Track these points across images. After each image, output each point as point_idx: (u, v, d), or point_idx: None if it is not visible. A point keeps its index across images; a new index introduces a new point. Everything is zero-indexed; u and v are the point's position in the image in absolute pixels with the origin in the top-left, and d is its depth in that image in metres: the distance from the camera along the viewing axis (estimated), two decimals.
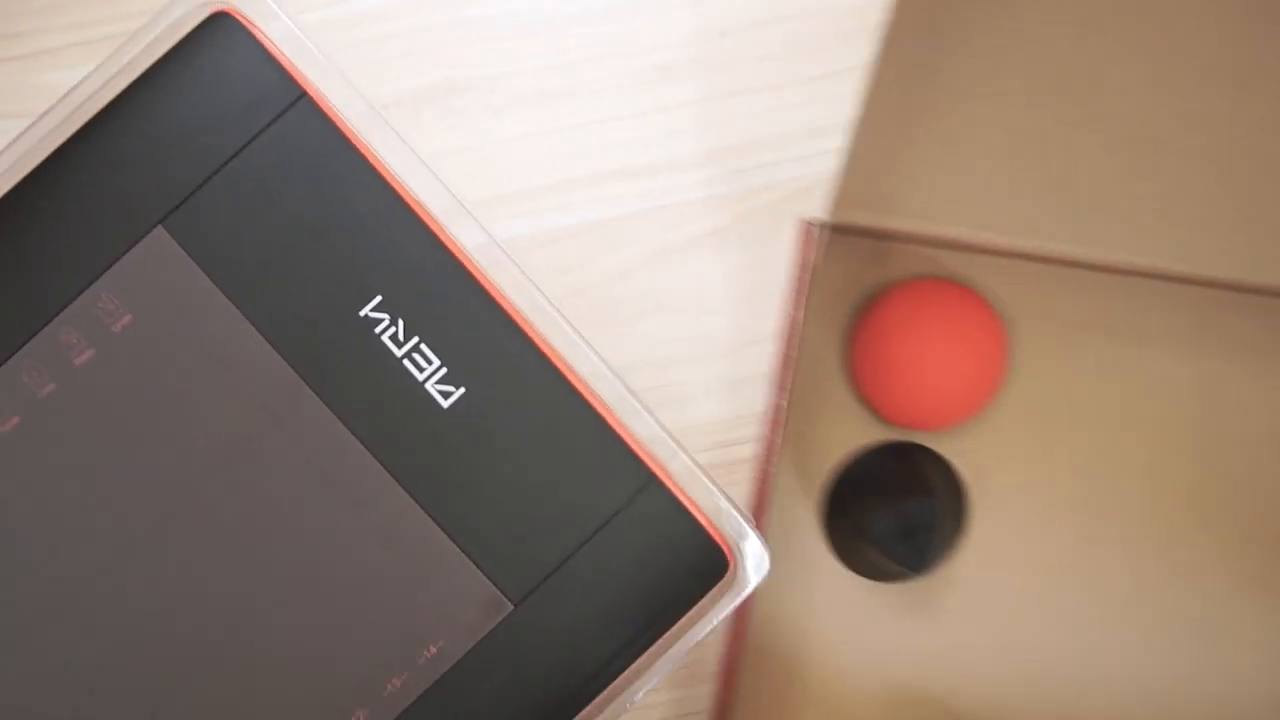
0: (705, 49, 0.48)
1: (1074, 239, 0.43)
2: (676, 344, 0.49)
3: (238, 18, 0.32)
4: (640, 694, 0.34)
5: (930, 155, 0.40)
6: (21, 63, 0.48)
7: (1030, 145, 0.39)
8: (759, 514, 0.44)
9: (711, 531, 0.33)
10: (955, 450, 0.46)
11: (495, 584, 0.32)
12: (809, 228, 0.43)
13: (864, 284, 0.46)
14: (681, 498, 0.32)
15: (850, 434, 0.47)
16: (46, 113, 0.31)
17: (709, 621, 0.34)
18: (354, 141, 0.32)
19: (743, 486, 0.48)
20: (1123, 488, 0.46)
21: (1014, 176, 0.40)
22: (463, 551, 0.32)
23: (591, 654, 0.33)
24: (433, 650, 0.32)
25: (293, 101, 0.32)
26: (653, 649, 0.34)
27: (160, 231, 0.31)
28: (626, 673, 0.34)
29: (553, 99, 0.49)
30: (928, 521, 0.44)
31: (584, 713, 0.34)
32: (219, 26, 0.32)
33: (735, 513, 0.33)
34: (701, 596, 0.33)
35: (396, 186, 0.32)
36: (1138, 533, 0.46)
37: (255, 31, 0.32)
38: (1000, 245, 0.45)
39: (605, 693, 0.34)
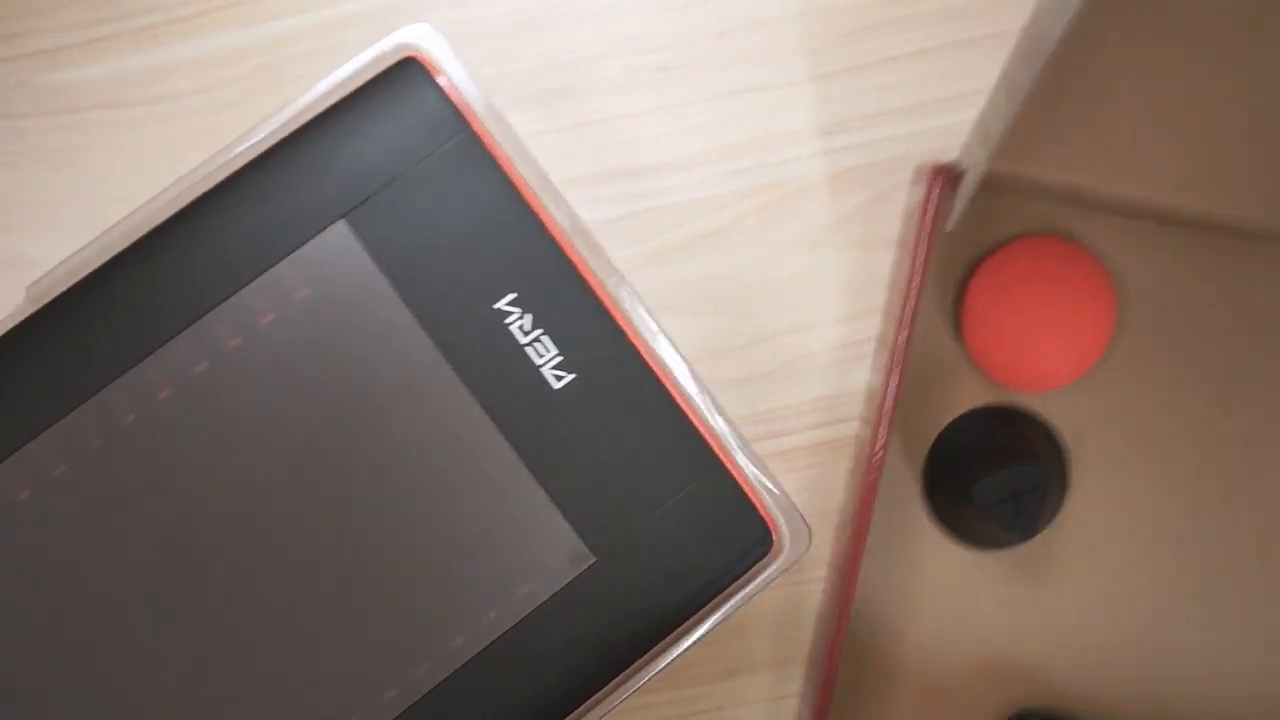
0: (705, 49, 0.49)
1: (1192, 195, 0.42)
2: (692, 343, 0.51)
3: (422, 61, 0.40)
4: (680, 652, 0.41)
5: (1064, 109, 0.39)
6: (21, 63, 0.48)
7: (1162, 102, 0.39)
8: (870, 495, 0.45)
9: (761, 511, 0.40)
10: (1057, 411, 0.46)
11: (581, 538, 0.39)
12: (935, 171, 0.43)
13: (978, 241, 0.45)
14: (739, 481, 0.40)
15: (951, 394, 0.46)
16: (272, 116, 0.39)
17: (750, 592, 0.41)
18: (504, 168, 0.40)
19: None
20: (1232, 456, 0.45)
21: (1138, 131, 0.40)
22: (557, 508, 0.39)
23: (652, 609, 0.40)
24: (523, 590, 0.39)
25: (458, 133, 0.40)
26: (700, 612, 0.41)
27: (342, 224, 0.39)
28: (675, 631, 0.41)
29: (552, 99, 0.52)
30: (1033, 486, 0.43)
31: (636, 664, 0.40)
32: (408, 67, 0.40)
33: (782, 495, 0.40)
34: (749, 569, 0.40)
35: (534, 205, 0.40)
36: (1247, 504, 0.45)
37: (435, 73, 0.40)
38: (1118, 199, 0.43)
39: (656, 647, 0.40)
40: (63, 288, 0.39)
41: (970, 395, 0.46)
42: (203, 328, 0.38)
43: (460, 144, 0.39)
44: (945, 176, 0.42)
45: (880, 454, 0.45)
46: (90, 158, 0.49)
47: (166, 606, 0.38)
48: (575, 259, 0.39)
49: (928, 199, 0.44)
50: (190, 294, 0.39)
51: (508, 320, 0.39)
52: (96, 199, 0.49)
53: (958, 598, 0.47)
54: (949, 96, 0.50)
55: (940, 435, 0.46)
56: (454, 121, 0.39)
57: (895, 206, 0.50)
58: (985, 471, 0.43)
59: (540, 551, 0.39)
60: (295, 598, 0.39)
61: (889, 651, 0.49)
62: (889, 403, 0.45)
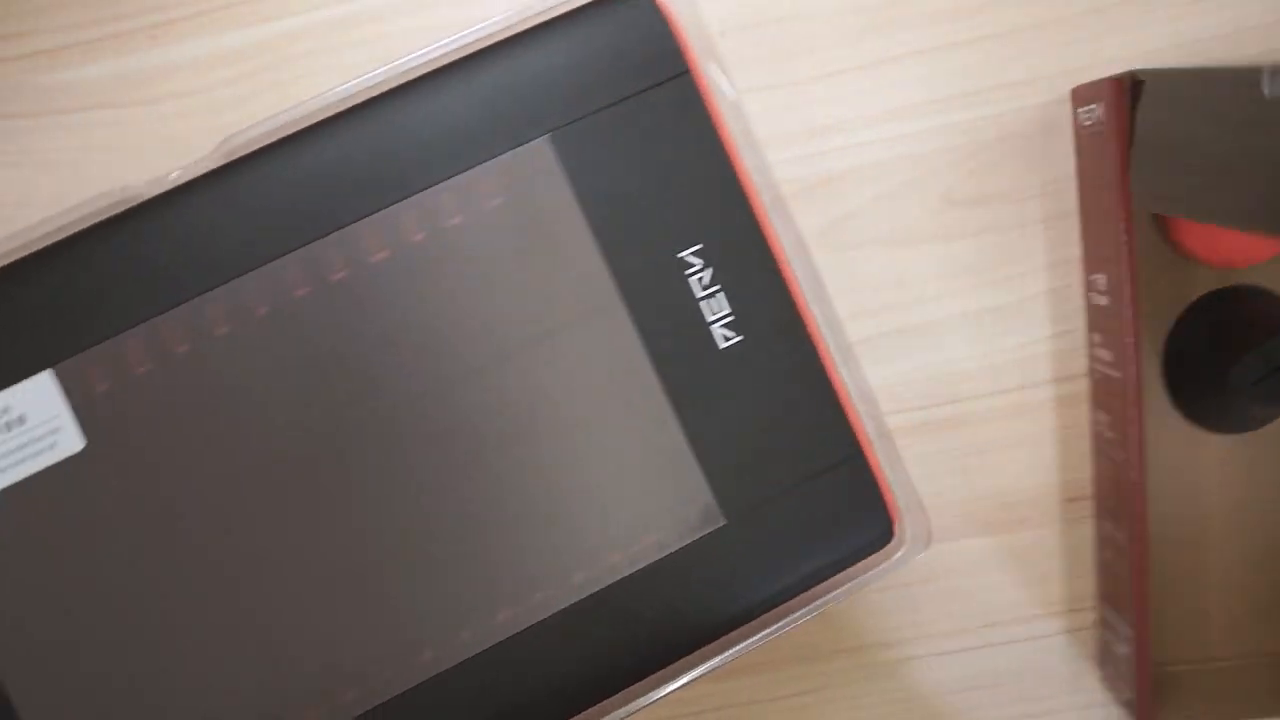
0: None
1: None
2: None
3: None
4: (781, 629, 0.42)
5: None
6: (21, 63, 0.48)
7: None
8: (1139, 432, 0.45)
9: (890, 507, 0.40)
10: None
11: (716, 499, 0.39)
12: (1120, 83, 0.43)
13: None
14: (877, 472, 0.40)
15: (1172, 291, 0.46)
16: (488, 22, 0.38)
17: (857, 583, 0.42)
18: (715, 118, 0.39)
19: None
20: None
21: None
22: (699, 465, 0.39)
23: (764, 582, 0.41)
24: (650, 539, 0.39)
25: (677, 73, 0.39)
26: (808, 593, 0.41)
27: (545, 141, 0.39)
28: (781, 607, 0.41)
29: None
30: None
31: (739, 631, 0.41)
32: None
33: (913, 494, 0.40)
34: (862, 559, 0.41)
35: (735, 161, 0.39)
36: None
37: (665, 9, 0.39)
38: None
39: (761, 619, 0.41)
40: (257, 147, 0.38)
41: (1190, 288, 0.46)
42: (390, 216, 0.38)
43: (678, 85, 0.39)
44: (1124, 86, 0.42)
45: (1135, 375, 0.44)
46: (90, 158, 0.49)
47: (309, 504, 0.38)
48: (764, 223, 0.39)
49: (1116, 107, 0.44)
50: (384, 179, 0.38)
51: (689, 271, 0.39)
52: None
53: (1223, 485, 0.47)
54: None
55: (1170, 334, 0.45)
56: (675, 61, 0.39)
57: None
58: (1234, 353, 0.42)
59: (674, 504, 0.39)
60: (431, 511, 0.39)
61: (1180, 553, 0.49)
62: (1127, 313, 0.44)
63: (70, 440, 0.36)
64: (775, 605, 0.40)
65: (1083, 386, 0.50)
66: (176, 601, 0.37)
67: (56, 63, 0.47)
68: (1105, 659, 0.49)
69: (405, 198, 0.38)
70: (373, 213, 0.37)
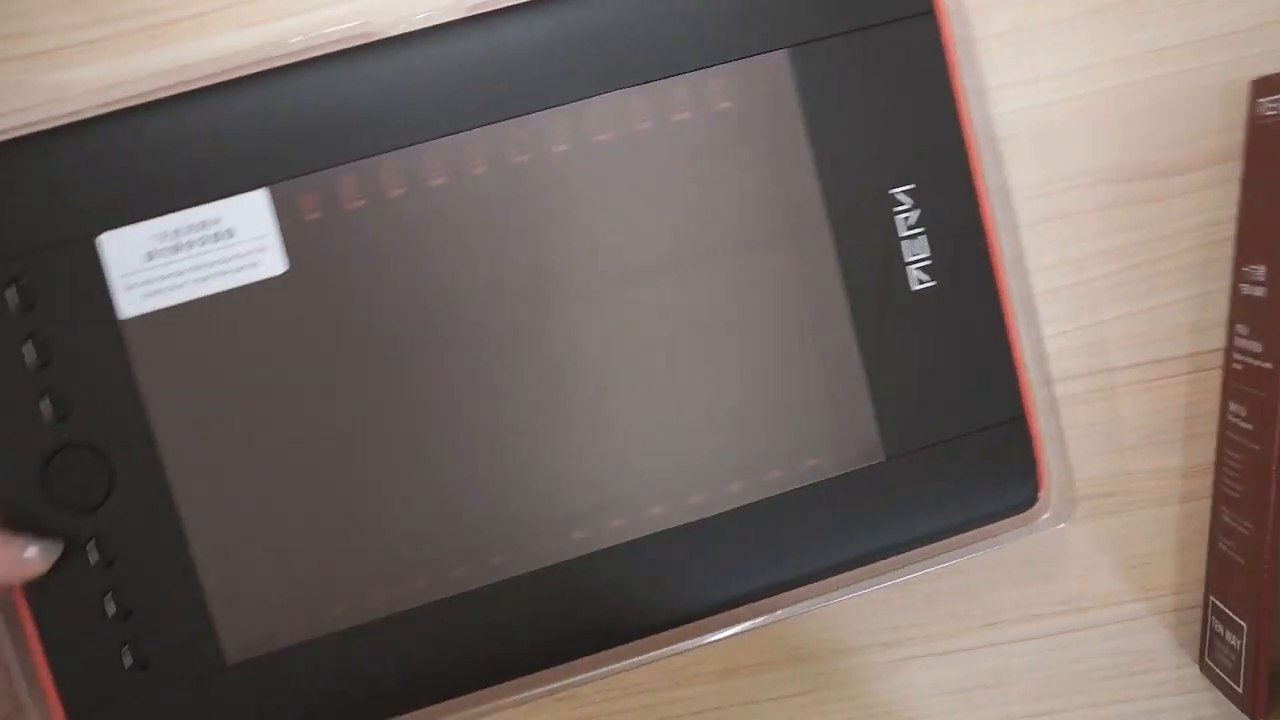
0: None
1: None
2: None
3: None
4: (905, 576, 0.42)
5: None
6: (21, 63, 0.47)
7: None
8: None
9: (1040, 474, 0.41)
10: None
11: (880, 436, 0.40)
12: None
13: None
14: (1035, 438, 0.41)
15: None
16: None
17: (990, 542, 0.42)
18: (950, 63, 0.40)
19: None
20: None
21: None
22: (871, 400, 0.40)
23: (908, 523, 0.41)
24: (811, 462, 0.40)
25: (923, 11, 0.39)
26: (940, 543, 0.42)
27: (783, 55, 0.39)
28: (911, 552, 0.42)
29: None
30: None
31: (869, 567, 0.42)
32: None
33: (1063, 464, 0.41)
34: (1003, 519, 0.42)
35: (962, 113, 0.40)
36: None
37: None
38: None
39: (892, 559, 0.42)
40: (503, 6, 0.38)
41: None
42: (620, 100, 0.38)
43: (921, 24, 0.39)
44: None
45: None
46: None
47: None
48: (977, 175, 0.40)
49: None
50: (620, 62, 0.38)
51: (897, 209, 0.39)
52: None
53: None
54: None
55: None
56: (922, 1, 0.39)
57: None
58: None
59: (840, 434, 0.40)
60: (604, 394, 0.40)
61: None
62: None
63: (273, 262, 0.37)
64: (909, 549, 0.41)
65: (1203, 376, 0.51)
66: (354, 438, 0.37)
67: (55, 63, 0.47)
68: (1212, 652, 0.50)
69: (638, 84, 0.38)
70: (603, 93, 0.38)
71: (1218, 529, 0.48)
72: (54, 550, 0.36)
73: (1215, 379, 0.49)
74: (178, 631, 0.37)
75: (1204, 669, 0.49)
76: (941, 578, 0.49)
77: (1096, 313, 0.48)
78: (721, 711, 0.50)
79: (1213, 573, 0.49)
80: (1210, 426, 0.49)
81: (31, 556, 0.36)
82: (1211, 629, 0.48)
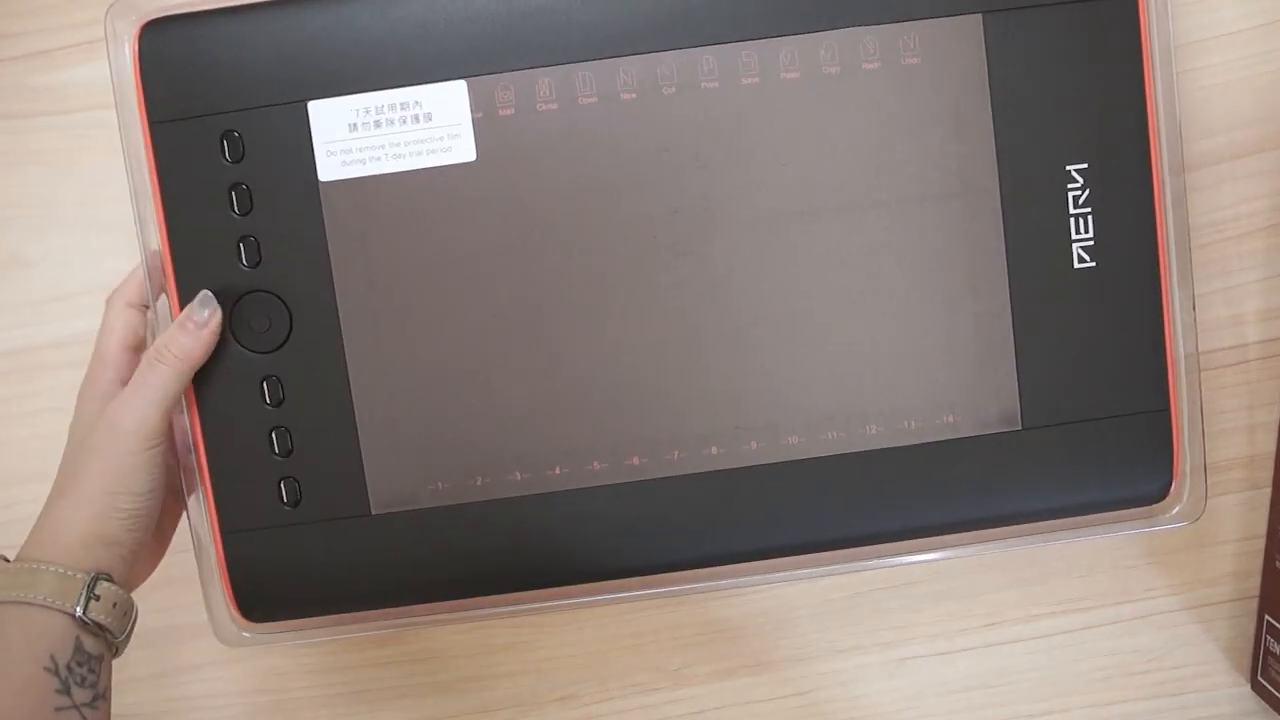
0: None
1: None
2: None
3: None
4: (1019, 544, 0.42)
5: None
6: (22, 63, 0.48)
7: None
8: None
9: (1176, 469, 0.41)
10: None
11: (1021, 405, 0.41)
12: None
13: None
14: (1175, 433, 0.41)
15: None
16: None
17: (1115, 529, 0.42)
18: (1145, 49, 0.40)
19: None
20: None
21: None
22: (1017, 369, 0.40)
23: (1036, 495, 0.42)
24: (948, 419, 0.41)
25: None
26: (1063, 521, 0.42)
27: (978, 19, 0.39)
28: (1033, 524, 0.42)
29: None
30: None
31: (985, 531, 0.42)
32: None
33: (1201, 463, 0.41)
34: (1131, 508, 0.42)
35: (1150, 101, 0.40)
36: None
37: None
38: None
39: (1003, 529, 0.42)
40: None
41: None
42: (811, 43, 0.39)
43: (1120, 4, 0.39)
44: None
45: None
46: (90, 158, 0.48)
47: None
48: (1156, 166, 0.40)
49: None
50: (814, 6, 0.39)
51: (1070, 185, 0.40)
52: (96, 199, 0.48)
53: None
54: None
55: None
56: None
57: None
58: None
59: (981, 396, 0.40)
60: (772, 320, 0.41)
61: None
62: None
63: (464, 149, 0.39)
64: (1033, 520, 0.42)
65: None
66: (516, 326, 0.40)
67: (56, 63, 0.48)
68: (1265, 670, 0.49)
69: (829, 28, 0.39)
70: (797, 33, 0.39)
71: (1274, 546, 0.47)
72: (212, 309, 0.39)
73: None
74: (331, 476, 0.40)
75: (1255, 687, 0.48)
76: (942, 578, 0.49)
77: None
78: (721, 711, 0.51)
79: (1268, 590, 0.48)
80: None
81: (201, 318, 0.39)
82: (1266, 648, 0.47)
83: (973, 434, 0.40)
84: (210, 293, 0.39)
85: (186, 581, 0.45)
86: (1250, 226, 0.48)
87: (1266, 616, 0.47)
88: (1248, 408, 0.49)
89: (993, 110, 0.39)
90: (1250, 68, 0.47)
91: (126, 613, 0.38)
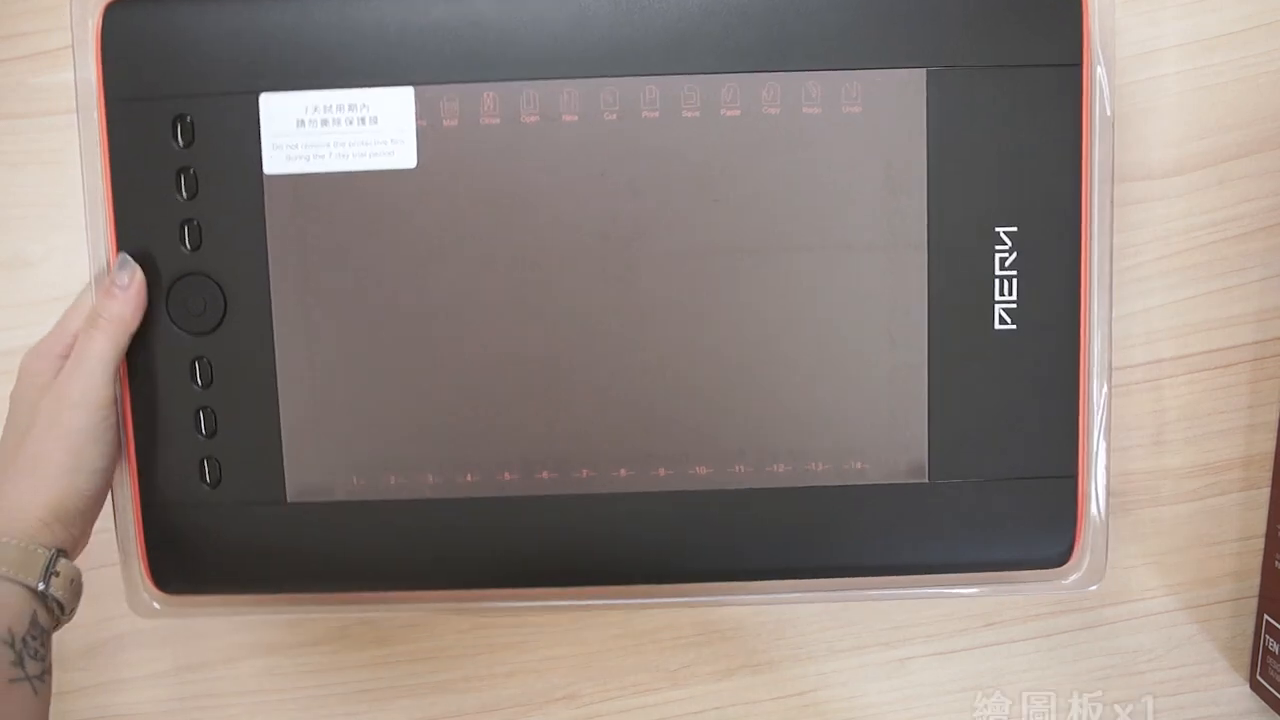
0: None
1: None
2: None
3: None
4: (913, 596, 0.43)
5: None
6: (22, 63, 0.48)
7: None
8: None
9: (1078, 536, 0.42)
10: None
11: (929, 459, 0.41)
12: None
13: None
14: (1081, 500, 0.41)
15: None
16: None
17: (1012, 590, 0.43)
18: (1084, 120, 0.40)
19: None
20: None
21: None
22: (929, 422, 0.41)
23: (935, 548, 0.42)
24: (855, 464, 0.41)
25: (1069, 63, 0.40)
26: (959, 574, 0.43)
27: (921, 74, 0.40)
28: (928, 576, 0.43)
29: None
30: None
31: (886, 580, 0.43)
32: None
33: (1104, 531, 0.42)
34: (1029, 569, 0.42)
35: (1085, 170, 0.40)
36: None
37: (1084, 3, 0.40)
38: None
39: (908, 579, 0.43)
40: None
41: None
42: (754, 82, 0.40)
43: (1063, 74, 0.40)
44: None
45: None
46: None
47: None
48: (1084, 238, 0.40)
49: None
50: (759, 45, 0.40)
51: (999, 246, 0.40)
52: (97, 199, 0.46)
53: None
54: None
55: None
56: (1072, 49, 0.40)
57: None
58: None
59: (890, 445, 0.41)
60: (689, 350, 0.41)
61: None
62: None
63: (406, 155, 0.40)
64: (932, 572, 0.42)
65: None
66: (437, 333, 0.41)
67: (56, 63, 0.48)
68: (1264, 669, 0.50)
69: (774, 70, 0.39)
70: (738, 72, 0.40)
71: (1274, 546, 0.48)
72: (131, 269, 0.40)
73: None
74: (251, 461, 0.41)
75: (1254, 687, 0.48)
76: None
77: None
78: (721, 711, 0.52)
79: (1267, 590, 0.49)
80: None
81: (123, 281, 0.40)
82: (1265, 647, 0.48)
83: (879, 482, 0.41)
84: (127, 254, 0.40)
85: None
86: (1250, 226, 0.48)
87: (1265, 616, 0.48)
88: (1246, 408, 0.49)
89: (928, 165, 0.40)
90: (1250, 67, 0.47)
91: (78, 591, 0.39)
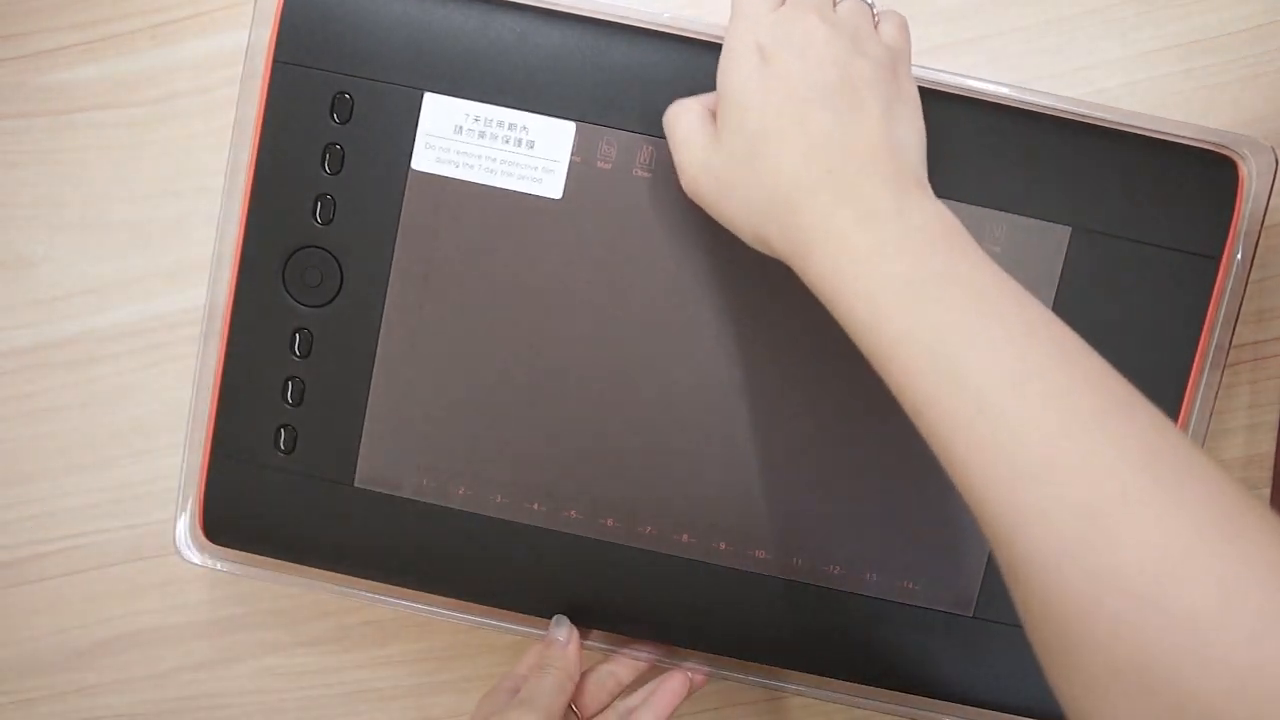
0: None
1: None
2: None
3: (1240, 175, 0.41)
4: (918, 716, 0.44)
5: None
6: (21, 63, 0.48)
7: None
8: None
9: None
10: None
11: (979, 595, 0.42)
12: None
13: None
14: None
15: None
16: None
17: None
18: (1211, 312, 0.41)
19: None
20: None
21: None
22: (989, 562, 0.42)
23: (958, 678, 0.43)
24: (906, 584, 0.42)
25: (1210, 254, 0.41)
26: (977, 708, 0.44)
27: (1066, 231, 0.41)
28: (945, 704, 0.44)
29: None
30: None
31: (904, 695, 0.44)
32: (1225, 168, 0.41)
33: None
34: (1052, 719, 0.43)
35: (1197, 363, 0.41)
36: None
37: (1240, 196, 0.41)
38: None
39: (924, 700, 0.44)
40: None
41: None
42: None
43: (1201, 264, 0.40)
44: None
45: None
46: (90, 158, 0.48)
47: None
48: (1186, 411, 0.41)
49: None
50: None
51: None
52: (97, 199, 0.48)
53: None
54: None
55: None
56: (1216, 242, 0.40)
57: None
58: None
59: (943, 574, 0.42)
60: (769, 436, 0.42)
61: None
62: None
63: (553, 185, 0.40)
64: (952, 700, 0.43)
65: None
66: (543, 364, 0.42)
67: (57, 63, 0.48)
68: None
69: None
70: None
71: None
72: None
73: None
74: (329, 438, 0.42)
75: None
76: None
77: None
78: (721, 711, 0.52)
79: None
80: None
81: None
82: None
83: (920, 604, 0.42)
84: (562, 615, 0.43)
85: (185, 582, 0.49)
86: None
87: None
88: (1247, 408, 0.49)
89: None
90: (1251, 67, 0.47)
91: None
